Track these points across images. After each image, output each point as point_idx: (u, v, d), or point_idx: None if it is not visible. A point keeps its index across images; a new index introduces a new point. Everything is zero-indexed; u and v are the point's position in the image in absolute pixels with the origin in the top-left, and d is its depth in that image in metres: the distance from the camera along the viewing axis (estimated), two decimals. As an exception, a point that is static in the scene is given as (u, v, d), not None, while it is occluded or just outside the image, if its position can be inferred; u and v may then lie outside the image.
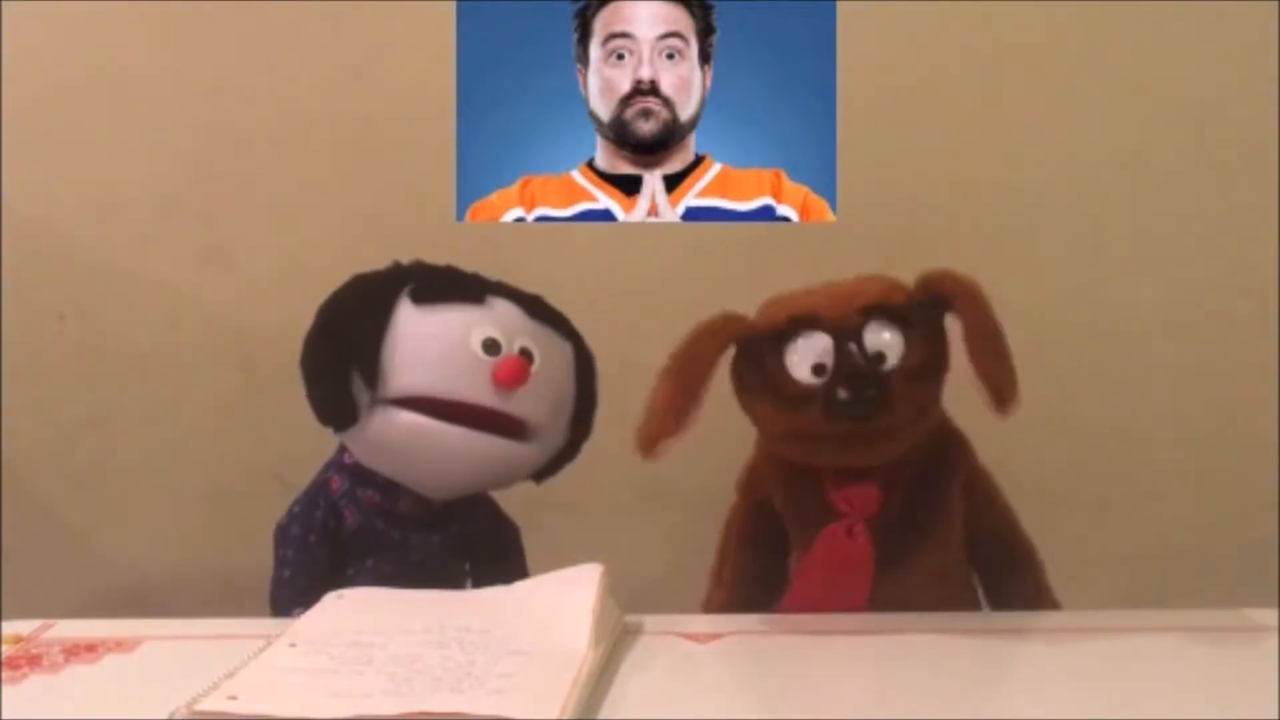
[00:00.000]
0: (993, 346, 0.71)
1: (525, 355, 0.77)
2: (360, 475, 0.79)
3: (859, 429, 0.70)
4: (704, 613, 0.81)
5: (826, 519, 0.73)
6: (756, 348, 0.74)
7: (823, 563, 0.74)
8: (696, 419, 0.72)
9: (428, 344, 0.76)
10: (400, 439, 0.76)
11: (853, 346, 0.71)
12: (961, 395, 0.75)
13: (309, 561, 0.78)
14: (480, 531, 0.82)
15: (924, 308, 0.73)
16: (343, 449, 0.80)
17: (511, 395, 0.76)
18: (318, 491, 0.80)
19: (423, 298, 0.77)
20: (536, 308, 0.81)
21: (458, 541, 0.80)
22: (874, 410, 0.70)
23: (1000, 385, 0.70)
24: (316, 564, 0.78)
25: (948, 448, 0.77)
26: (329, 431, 0.78)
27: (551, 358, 0.79)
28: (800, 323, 0.72)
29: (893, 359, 0.71)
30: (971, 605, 0.78)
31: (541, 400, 0.78)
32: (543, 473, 0.82)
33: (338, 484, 0.80)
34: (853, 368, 0.70)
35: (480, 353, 0.76)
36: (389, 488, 0.79)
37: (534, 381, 0.77)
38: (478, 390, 0.75)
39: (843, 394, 0.70)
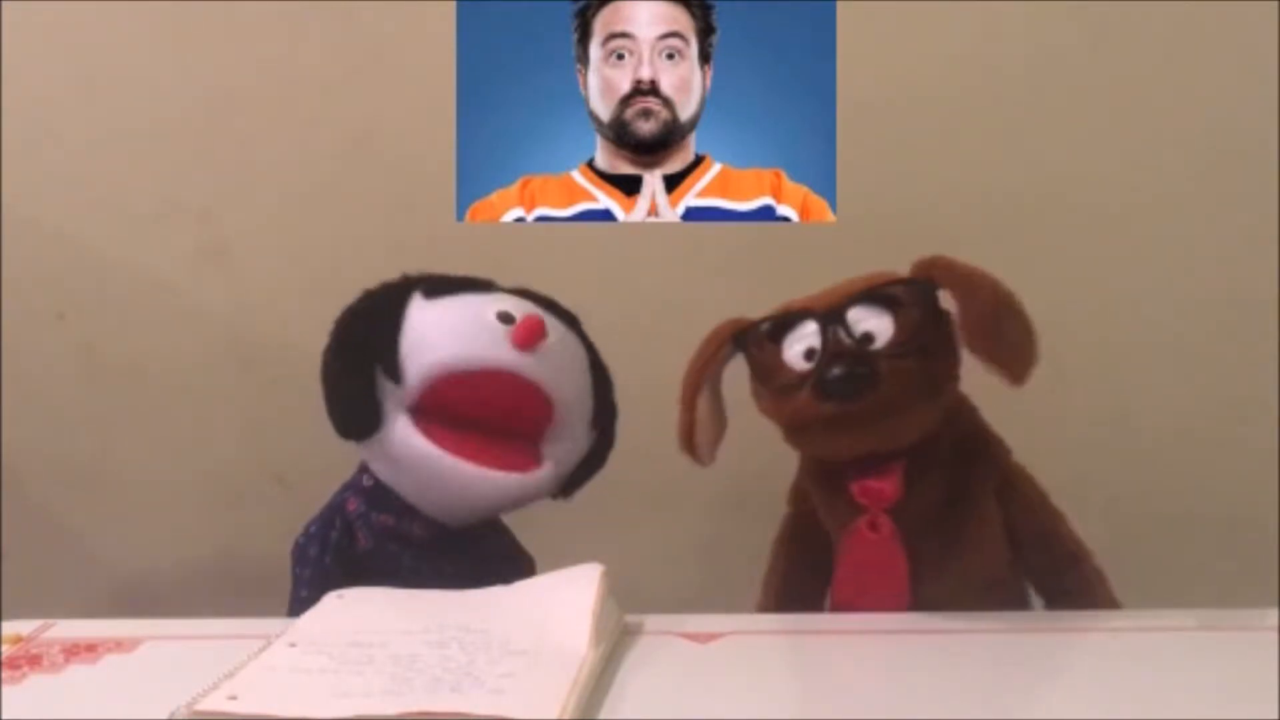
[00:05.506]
0: (987, 328, 0.70)
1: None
2: (376, 500, 0.79)
3: (851, 409, 0.70)
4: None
5: (856, 517, 0.73)
6: (756, 342, 0.75)
7: (853, 561, 0.74)
8: (716, 424, 0.77)
9: (444, 320, 0.77)
10: (414, 462, 0.77)
11: (840, 330, 0.71)
12: (972, 387, 0.75)
13: (325, 581, 0.78)
14: (490, 564, 0.80)
15: (914, 289, 0.73)
16: (361, 472, 0.81)
17: (533, 359, 0.76)
18: (334, 512, 0.80)
19: (434, 292, 0.79)
20: (548, 305, 0.81)
21: (470, 571, 0.79)
22: (861, 386, 0.70)
23: (1005, 363, 0.70)
24: (332, 584, 0.77)
25: (977, 450, 0.76)
26: (344, 443, 0.78)
27: (569, 344, 0.80)
28: (792, 313, 0.74)
29: (882, 339, 0.71)
30: None
31: (562, 376, 0.78)
32: (570, 485, 0.83)
33: (354, 505, 0.80)
34: (839, 347, 0.71)
35: (496, 322, 0.76)
36: (404, 512, 0.78)
37: (554, 354, 0.77)
38: (499, 353, 0.76)
39: (831, 372, 0.70)
